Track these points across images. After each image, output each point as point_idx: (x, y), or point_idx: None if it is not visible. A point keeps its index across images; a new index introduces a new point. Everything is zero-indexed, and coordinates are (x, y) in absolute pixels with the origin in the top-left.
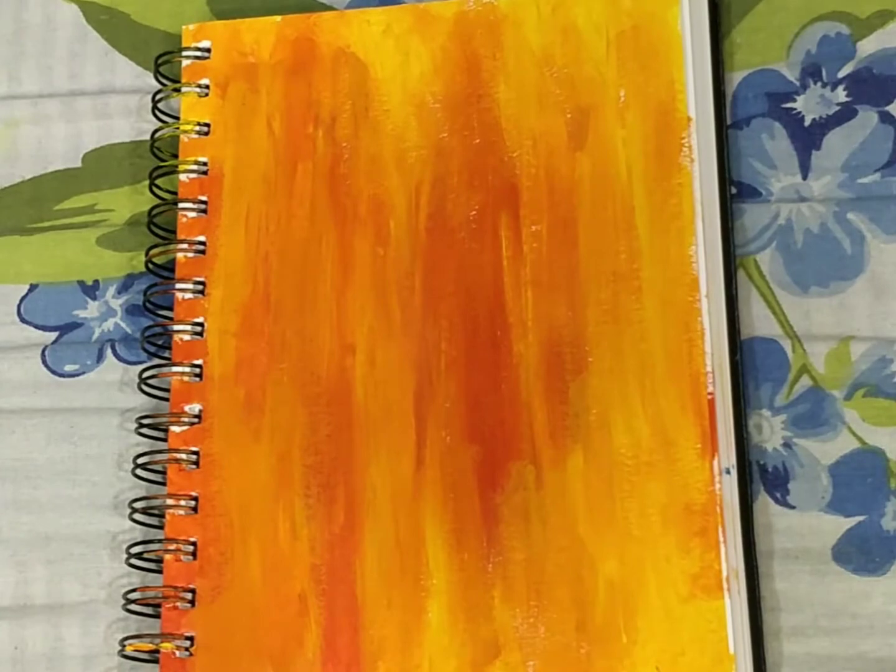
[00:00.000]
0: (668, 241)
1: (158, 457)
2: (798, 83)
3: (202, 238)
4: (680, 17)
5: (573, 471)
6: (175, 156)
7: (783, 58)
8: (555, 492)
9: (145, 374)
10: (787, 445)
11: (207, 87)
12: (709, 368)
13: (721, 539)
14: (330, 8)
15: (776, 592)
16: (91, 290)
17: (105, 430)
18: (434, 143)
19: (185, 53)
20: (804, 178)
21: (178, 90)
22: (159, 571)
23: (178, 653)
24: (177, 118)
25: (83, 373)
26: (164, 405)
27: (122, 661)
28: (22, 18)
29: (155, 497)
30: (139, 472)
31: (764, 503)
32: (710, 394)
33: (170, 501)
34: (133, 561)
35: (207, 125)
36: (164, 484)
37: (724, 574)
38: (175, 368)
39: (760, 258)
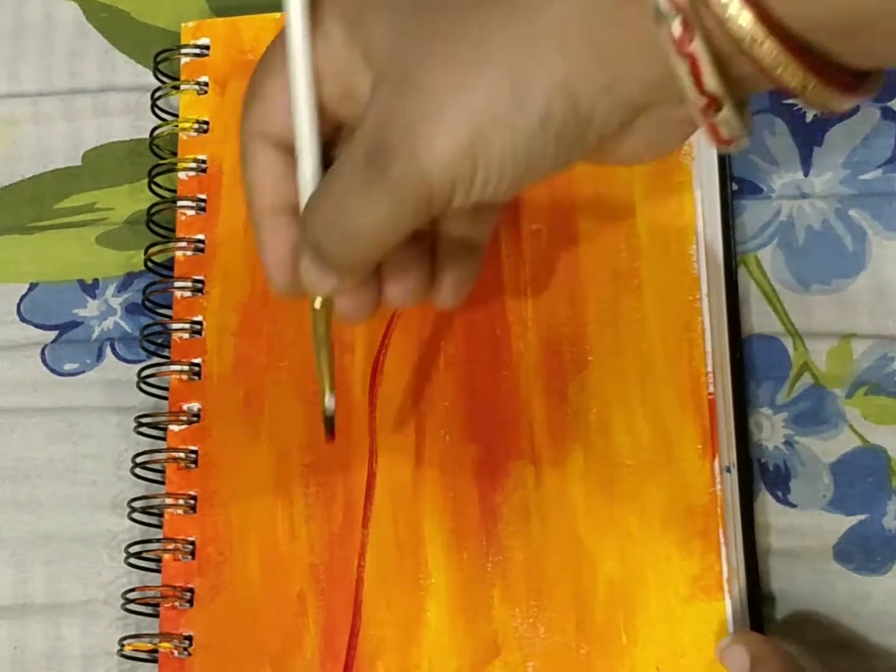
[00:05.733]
0: (668, 241)
1: (157, 456)
2: None
3: (201, 236)
4: None
5: (573, 470)
6: (174, 154)
7: None
8: (554, 491)
9: (144, 373)
10: (788, 444)
11: (206, 84)
12: (709, 368)
13: (722, 540)
14: None
15: (777, 591)
16: (91, 288)
17: (104, 428)
18: None
19: (183, 51)
20: (805, 174)
21: (176, 88)
22: (159, 571)
23: (176, 652)
24: (176, 116)
25: (83, 372)
26: (163, 404)
27: (122, 660)
28: (22, 17)
29: (154, 496)
30: (138, 471)
31: (765, 502)
32: (710, 394)
33: (168, 501)
34: (132, 560)
35: (206, 123)
36: (163, 483)
37: (725, 575)
38: (174, 367)
39: (762, 255)
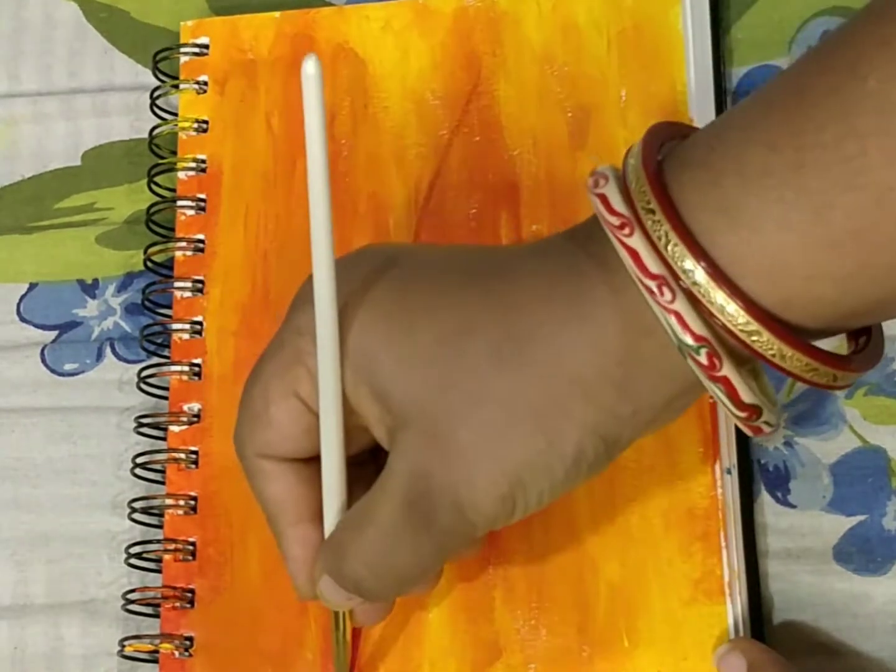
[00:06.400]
0: None
1: (157, 456)
2: None
3: (201, 236)
4: (681, 16)
5: None
6: (174, 153)
7: (785, 53)
8: None
9: (144, 373)
10: (788, 444)
11: (206, 83)
12: None
13: (723, 544)
14: (328, 4)
15: (777, 592)
16: (90, 288)
17: (104, 429)
18: (433, 141)
19: (183, 50)
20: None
21: (176, 87)
22: (159, 571)
23: (177, 653)
24: (175, 115)
25: (82, 372)
26: (163, 404)
27: (122, 660)
28: (21, 17)
29: (154, 497)
30: (138, 471)
31: (764, 502)
32: (711, 398)
33: (169, 501)
34: (132, 561)
35: (206, 122)
36: (163, 483)
37: (727, 579)
38: (174, 367)
39: None
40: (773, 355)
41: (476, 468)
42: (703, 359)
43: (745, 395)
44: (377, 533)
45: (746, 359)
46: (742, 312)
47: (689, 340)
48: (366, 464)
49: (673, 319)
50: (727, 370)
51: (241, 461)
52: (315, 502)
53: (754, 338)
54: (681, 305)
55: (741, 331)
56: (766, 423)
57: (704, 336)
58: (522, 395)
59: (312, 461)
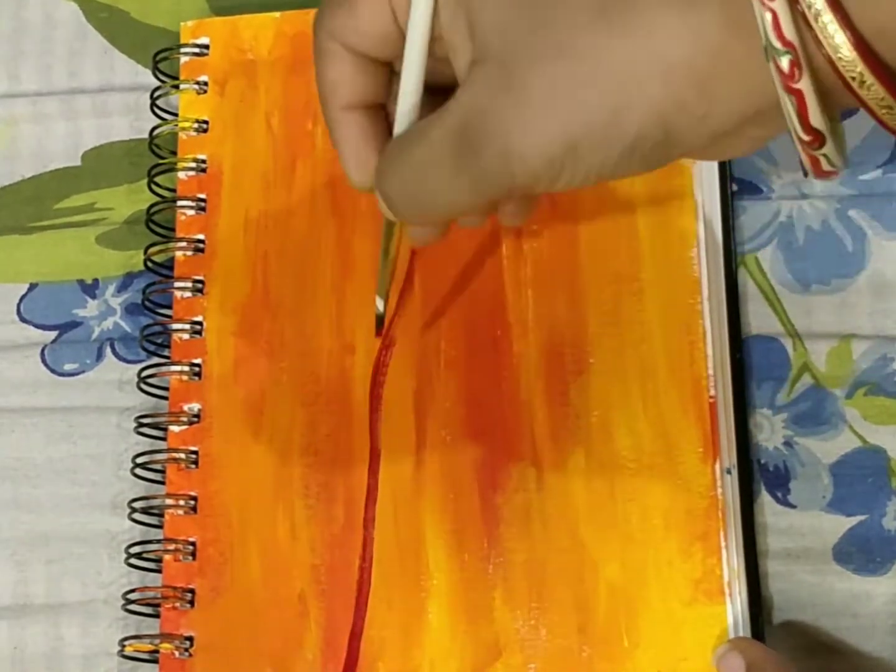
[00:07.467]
0: (669, 243)
1: (157, 456)
2: None
3: (201, 236)
4: None
5: (574, 472)
6: (174, 153)
7: None
8: (556, 493)
9: (144, 374)
10: (787, 444)
11: (206, 84)
12: (710, 371)
13: (723, 544)
14: None
15: (777, 592)
16: (90, 288)
17: (104, 429)
18: None
19: (183, 50)
20: (805, 174)
21: (176, 87)
22: (159, 571)
23: (177, 653)
24: (175, 115)
25: (82, 372)
26: (163, 404)
27: (122, 660)
28: (21, 17)
29: (154, 497)
30: (138, 471)
31: (764, 503)
32: (711, 397)
33: (169, 501)
34: (132, 561)
35: (206, 122)
36: (163, 483)
37: (726, 579)
38: (174, 367)
39: (761, 256)
40: (854, 78)
41: (536, 119)
42: (785, 66)
43: (814, 117)
44: (422, 152)
45: (828, 90)
46: (836, 25)
47: (776, 43)
48: (438, 95)
49: (768, 17)
50: (804, 84)
51: (313, 39)
52: (372, 96)
53: (840, 54)
54: (779, 5)
55: (829, 44)
56: (827, 157)
57: (792, 42)
58: (608, 58)
59: (381, 64)
